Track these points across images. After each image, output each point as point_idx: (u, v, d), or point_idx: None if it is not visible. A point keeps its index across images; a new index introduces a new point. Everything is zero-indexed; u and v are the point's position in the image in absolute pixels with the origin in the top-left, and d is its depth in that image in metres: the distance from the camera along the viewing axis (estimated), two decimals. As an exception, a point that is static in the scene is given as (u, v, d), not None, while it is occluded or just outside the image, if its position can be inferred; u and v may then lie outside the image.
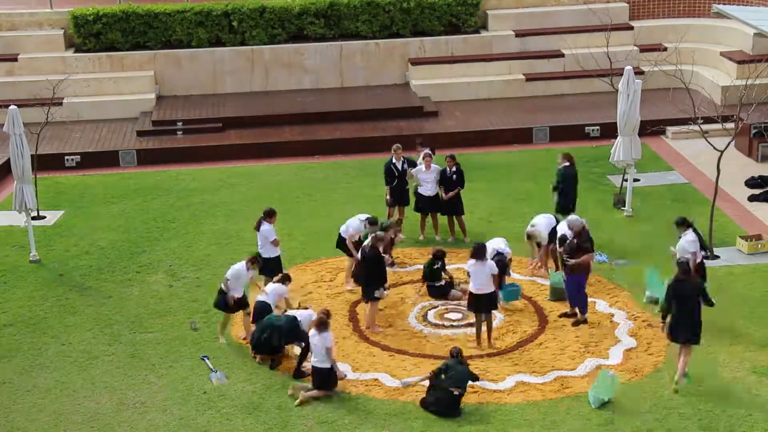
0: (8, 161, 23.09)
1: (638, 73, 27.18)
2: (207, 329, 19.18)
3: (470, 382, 16.69)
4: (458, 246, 22.18)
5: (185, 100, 31.32)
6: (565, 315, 19.19)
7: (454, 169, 22.41)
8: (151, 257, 22.28)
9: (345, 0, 31.89)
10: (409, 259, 21.88)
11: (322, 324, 16.94)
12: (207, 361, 18.03)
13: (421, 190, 22.60)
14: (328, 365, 16.86)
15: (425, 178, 22.49)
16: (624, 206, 23.75)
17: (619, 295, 20.04)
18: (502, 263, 19.30)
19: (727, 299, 19.66)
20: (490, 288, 18.30)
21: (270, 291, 18.65)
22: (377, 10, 31.97)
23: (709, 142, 21.37)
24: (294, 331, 17.61)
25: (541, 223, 20.78)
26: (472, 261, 18.33)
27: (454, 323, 19.13)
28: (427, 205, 22.67)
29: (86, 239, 23.35)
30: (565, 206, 21.88)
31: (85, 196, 26.04)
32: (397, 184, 22.62)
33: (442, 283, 20.06)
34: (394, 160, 22.60)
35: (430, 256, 20.24)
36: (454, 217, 22.67)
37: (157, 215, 24.59)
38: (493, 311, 18.72)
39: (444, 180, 22.40)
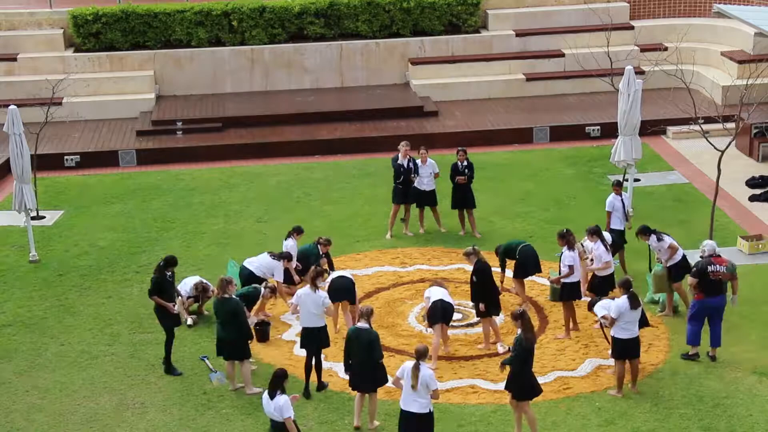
0: (8, 161, 23.08)
1: (639, 72, 27.15)
2: (207, 329, 19.14)
3: None
4: (460, 244, 22.21)
5: (185, 100, 31.30)
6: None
7: (465, 162, 22.64)
8: (151, 257, 22.24)
9: (345, 0, 31.89)
10: (410, 260, 21.86)
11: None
12: (207, 361, 18.02)
13: (417, 184, 22.67)
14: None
15: (422, 173, 22.60)
16: (624, 206, 23.73)
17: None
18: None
19: (727, 299, 19.67)
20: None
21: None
22: (377, 10, 31.96)
23: (709, 142, 21.35)
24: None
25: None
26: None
27: (455, 323, 19.09)
28: (422, 200, 22.79)
29: (86, 239, 23.33)
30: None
31: (84, 196, 26.02)
32: (402, 181, 22.63)
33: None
34: (400, 159, 22.62)
35: None
36: (465, 210, 22.78)
37: (157, 215, 24.57)
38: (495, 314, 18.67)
39: (455, 174, 22.61)
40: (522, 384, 15.48)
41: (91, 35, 31.51)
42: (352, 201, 25.01)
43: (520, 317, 15.51)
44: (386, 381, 16.10)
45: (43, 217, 24.36)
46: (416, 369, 14.61)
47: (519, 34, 32.45)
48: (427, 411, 14.75)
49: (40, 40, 31.88)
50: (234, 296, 17.18)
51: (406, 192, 22.74)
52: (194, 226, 23.86)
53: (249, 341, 17.22)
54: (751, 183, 25.07)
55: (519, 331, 15.48)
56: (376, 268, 21.47)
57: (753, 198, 24.37)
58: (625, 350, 16.64)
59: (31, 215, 22.98)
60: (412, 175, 22.65)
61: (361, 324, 15.99)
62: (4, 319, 19.88)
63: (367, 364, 15.88)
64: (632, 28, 32.46)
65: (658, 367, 17.52)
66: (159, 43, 31.80)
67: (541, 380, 17.07)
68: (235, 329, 16.92)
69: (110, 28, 31.42)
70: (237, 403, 16.89)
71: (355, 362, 15.99)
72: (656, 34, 32.36)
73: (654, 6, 33.36)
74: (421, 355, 14.80)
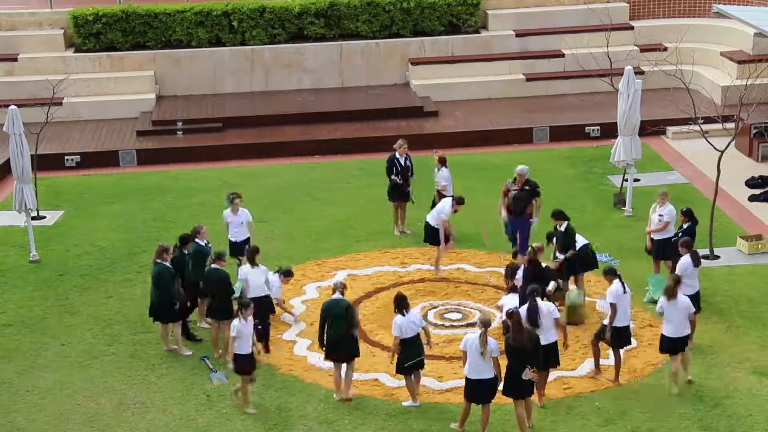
0: (8, 161, 23.08)
1: (638, 73, 27.19)
2: (205, 329, 19.13)
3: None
4: (459, 244, 22.23)
5: (185, 100, 31.31)
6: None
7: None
8: (151, 257, 22.18)
9: (345, 0, 31.90)
10: (410, 259, 21.85)
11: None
12: (207, 361, 18.04)
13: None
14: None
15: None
16: (624, 206, 23.75)
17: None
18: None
19: (727, 299, 19.69)
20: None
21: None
22: (377, 10, 31.98)
23: (709, 142, 21.37)
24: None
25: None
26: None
27: (455, 323, 19.11)
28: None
29: (86, 239, 23.34)
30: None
31: (85, 196, 26.03)
32: (401, 178, 22.61)
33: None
34: (397, 155, 22.65)
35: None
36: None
37: (157, 215, 24.59)
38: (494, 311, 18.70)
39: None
40: (513, 383, 15.68)
41: (92, 35, 31.53)
42: (352, 201, 25.02)
43: (509, 317, 15.96)
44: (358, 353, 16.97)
45: (44, 217, 24.37)
46: (484, 337, 15.40)
47: (519, 34, 32.47)
48: (494, 375, 15.65)
49: (40, 40, 31.90)
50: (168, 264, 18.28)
51: (403, 189, 22.73)
52: (194, 226, 23.81)
53: (175, 305, 18.19)
54: (751, 183, 25.09)
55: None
56: (376, 268, 21.47)
57: (752, 198, 24.39)
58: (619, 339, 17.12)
59: (32, 215, 23.00)
60: (409, 174, 22.65)
61: (336, 296, 16.83)
62: (4, 318, 19.90)
63: (344, 333, 16.65)
64: (632, 28, 32.48)
65: (658, 367, 17.53)
66: (159, 44, 31.81)
67: (540, 380, 17.17)
68: (163, 293, 18.05)
69: (110, 28, 31.44)
70: (237, 403, 16.90)
71: (331, 332, 16.73)
72: (656, 34, 32.37)
73: (654, 6, 33.38)
74: (486, 324, 15.55)
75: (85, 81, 30.84)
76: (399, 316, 16.34)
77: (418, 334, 16.49)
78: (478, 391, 15.71)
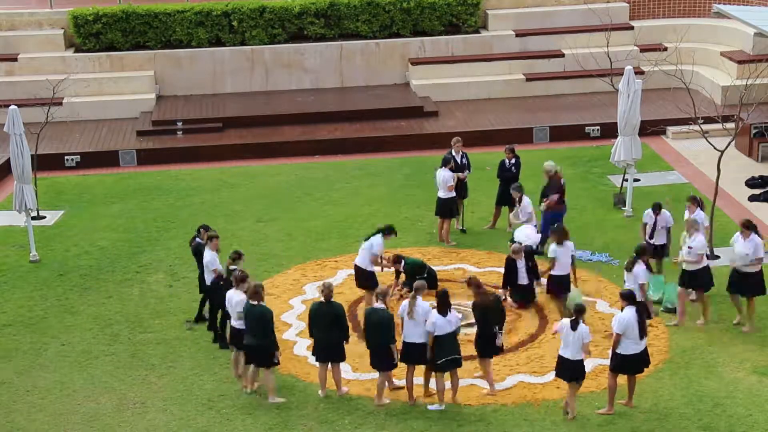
0: (8, 161, 23.10)
1: (638, 73, 27.17)
2: (205, 329, 19.15)
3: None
4: (459, 244, 22.22)
5: (185, 100, 31.32)
6: None
7: (513, 161, 22.78)
8: (151, 257, 22.27)
9: (345, 0, 31.91)
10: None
11: None
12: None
13: None
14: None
15: None
16: (624, 206, 23.76)
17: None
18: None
19: (727, 299, 19.67)
20: None
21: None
22: (377, 10, 31.99)
23: (709, 142, 21.37)
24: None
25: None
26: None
27: (454, 323, 19.08)
28: None
29: (86, 239, 23.35)
30: None
31: (85, 196, 26.04)
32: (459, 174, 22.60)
33: None
34: (453, 153, 22.64)
35: None
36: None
37: (157, 215, 24.59)
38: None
39: (503, 172, 22.79)
40: (482, 342, 16.82)
41: (92, 35, 31.54)
42: (352, 201, 25.03)
43: (468, 284, 17.20)
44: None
45: (44, 217, 24.37)
46: (413, 301, 16.47)
47: (519, 34, 32.48)
48: (424, 341, 16.51)
49: (40, 40, 31.91)
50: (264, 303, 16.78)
51: (460, 186, 22.62)
52: (194, 226, 23.65)
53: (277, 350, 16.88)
54: (751, 183, 25.10)
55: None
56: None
57: (753, 198, 24.40)
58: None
59: (32, 215, 23.00)
60: (466, 171, 22.67)
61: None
62: (4, 318, 19.90)
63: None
64: (632, 28, 32.48)
65: (658, 367, 17.53)
66: (159, 44, 31.82)
67: (540, 380, 17.21)
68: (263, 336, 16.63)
69: (110, 28, 31.45)
70: (237, 403, 16.91)
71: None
72: (656, 34, 32.38)
73: (654, 6, 33.40)
74: (419, 290, 16.66)
75: (85, 81, 30.85)
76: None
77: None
78: (410, 354, 16.57)
